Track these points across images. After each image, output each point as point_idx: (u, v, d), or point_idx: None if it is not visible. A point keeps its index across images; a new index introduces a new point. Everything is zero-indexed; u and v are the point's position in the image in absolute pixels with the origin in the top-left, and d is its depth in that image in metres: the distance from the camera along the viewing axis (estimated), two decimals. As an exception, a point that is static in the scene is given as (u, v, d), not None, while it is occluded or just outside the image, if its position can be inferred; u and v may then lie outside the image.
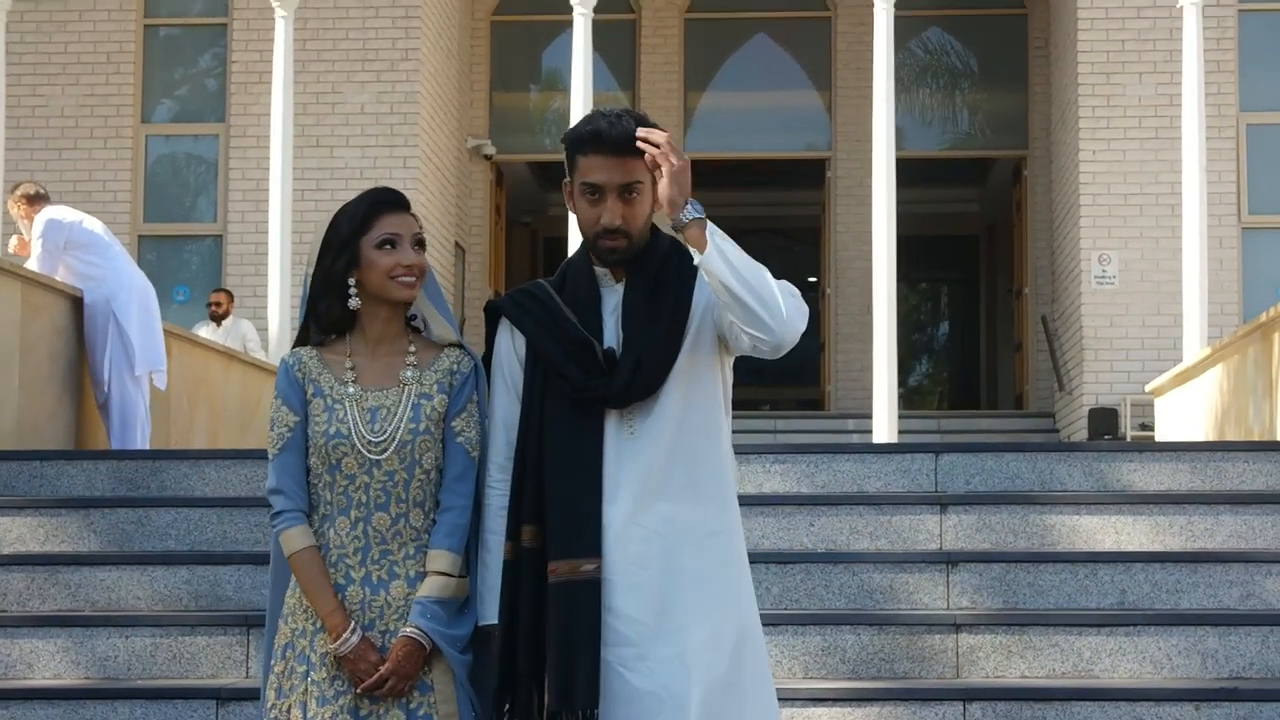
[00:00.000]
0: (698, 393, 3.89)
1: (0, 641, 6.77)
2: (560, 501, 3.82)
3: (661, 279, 3.91)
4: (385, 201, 4.01)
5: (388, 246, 3.95)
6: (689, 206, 3.77)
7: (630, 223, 3.86)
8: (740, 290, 3.74)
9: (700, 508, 3.86)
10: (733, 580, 3.89)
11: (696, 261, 3.78)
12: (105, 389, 10.23)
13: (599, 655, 3.77)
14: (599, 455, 3.84)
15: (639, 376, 3.82)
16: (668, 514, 3.83)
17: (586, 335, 3.85)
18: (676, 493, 3.84)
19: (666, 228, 4.00)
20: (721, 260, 3.75)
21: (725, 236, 3.79)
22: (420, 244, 4.00)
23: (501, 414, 3.97)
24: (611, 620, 3.80)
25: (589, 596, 3.78)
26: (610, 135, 3.83)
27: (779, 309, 3.77)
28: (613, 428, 3.85)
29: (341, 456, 3.91)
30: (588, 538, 3.80)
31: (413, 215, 4.03)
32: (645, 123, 3.87)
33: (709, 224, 3.78)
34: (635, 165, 3.84)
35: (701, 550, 3.84)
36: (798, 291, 3.87)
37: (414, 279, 3.96)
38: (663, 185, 3.78)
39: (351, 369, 3.98)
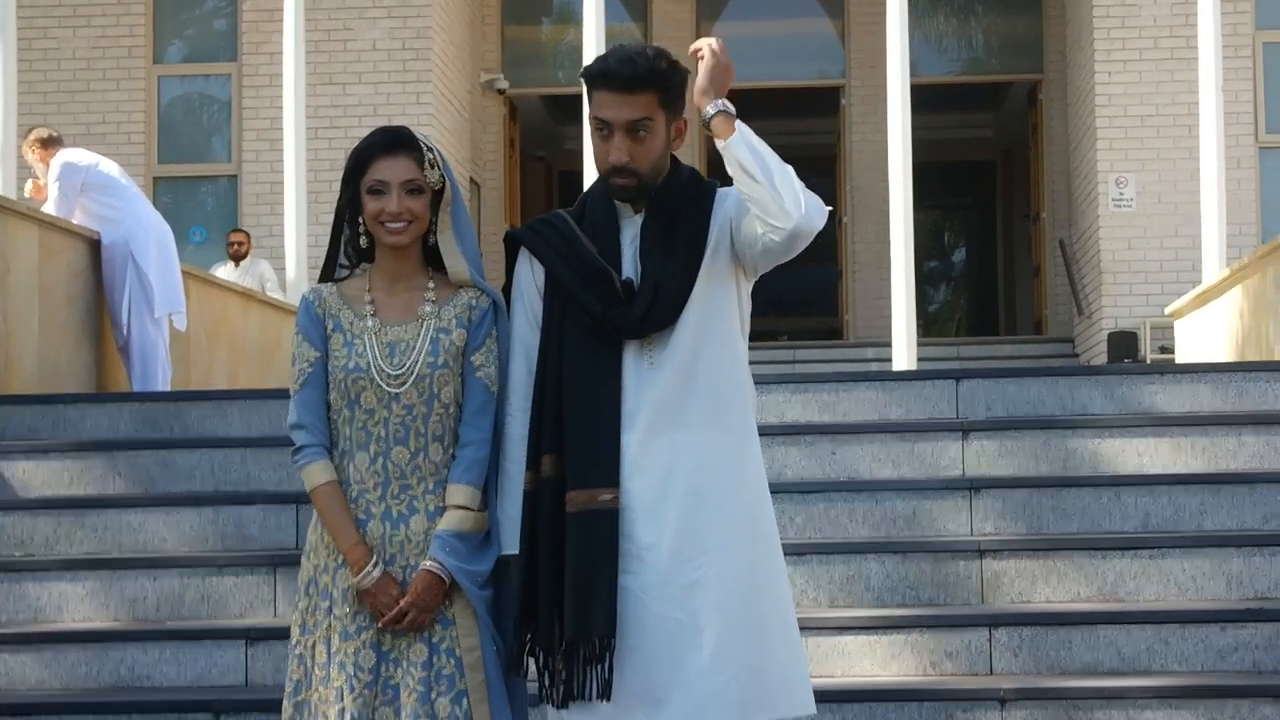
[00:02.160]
0: (716, 322, 3.89)
1: (29, 585, 6.81)
2: (579, 431, 3.83)
3: (679, 210, 3.90)
4: (379, 144, 3.99)
5: (378, 192, 3.95)
6: (720, 101, 3.82)
7: (638, 161, 3.85)
8: (761, 174, 3.74)
9: (719, 436, 3.86)
10: (753, 509, 3.90)
11: (721, 147, 3.79)
12: (125, 331, 10.24)
13: (616, 584, 3.79)
14: (618, 385, 3.85)
15: (656, 307, 3.82)
16: (686, 443, 3.83)
17: (604, 265, 3.86)
18: (695, 421, 3.84)
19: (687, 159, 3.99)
20: (745, 145, 3.77)
21: (753, 134, 3.81)
22: (415, 190, 3.96)
23: (522, 343, 3.98)
24: (631, 548, 3.81)
25: (607, 526, 3.80)
26: (619, 72, 3.83)
27: (798, 198, 3.76)
28: (631, 357, 3.86)
29: (360, 391, 3.92)
30: (606, 467, 3.81)
31: (417, 155, 3.98)
32: (664, 59, 3.86)
33: (740, 121, 3.81)
34: (644, 102, 3.84)
35: (720, 479, 3.85)
36: (820, 199, 3.86)
37: (402, 225, 3.95)
38: (700, 76, 3.83)
39: (370, 304, 3.99)
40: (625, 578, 3.80)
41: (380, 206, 3.94)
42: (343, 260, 4.07)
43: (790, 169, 3.79)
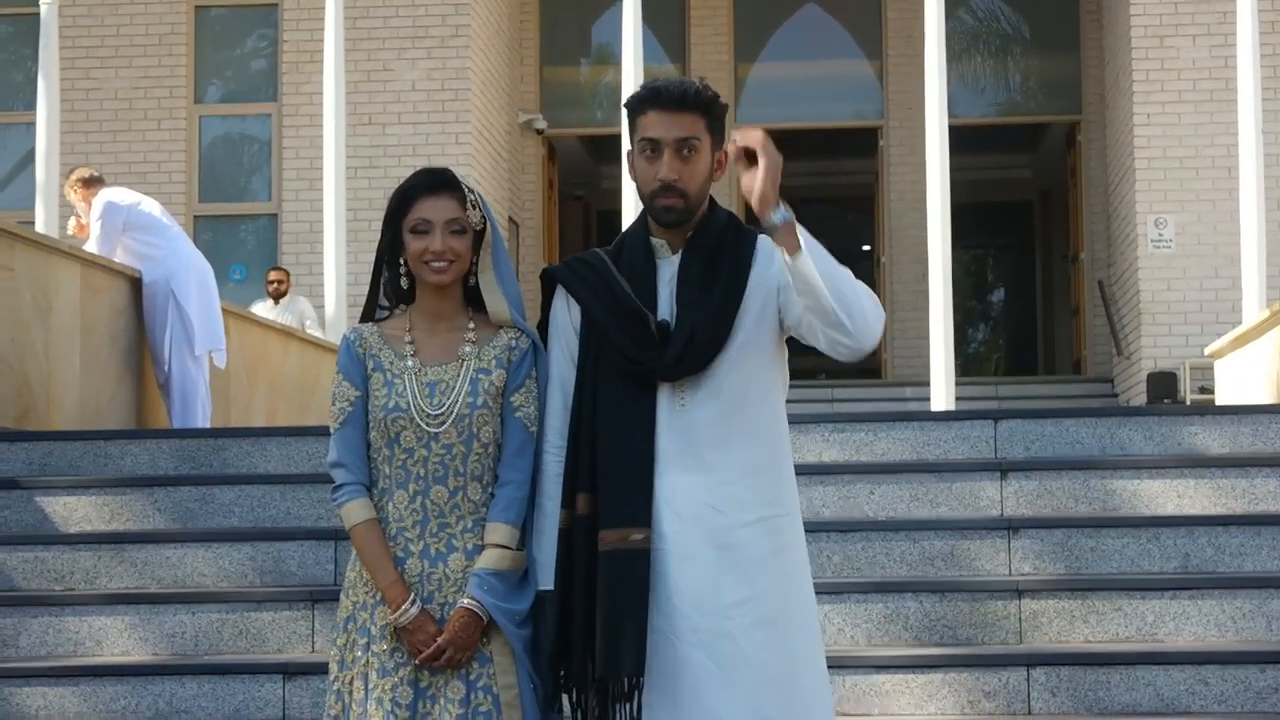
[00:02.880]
0: (752, 368, 3.88)
1: (70, 619, 6.85)
2: (612, 470, 3.84)
3: (719, 252, 3.90)
4: (422, 185, 4.02)
5: (421, 231, 3.98)
6: (781, 207, 3.71)
7: (687, 181, 3.86)
8: (828, 297, 3.71)
9: (754, 483, 3.85)
10: (789, 561, 3.89)
11: (786, 264, 3.73)
12: (166, 368, 10.29)
13: (645, 624, 3.78)
14: (651, 426, 3.85)
15: (690, 351, 3.82)
16: (720, 489, 3.83)
17: (640, 306, 3.86)
18: (729, 467, 3.83)
19: (724, 200, 4.00)
20: (812, 265, 3.71)
21: (812, 239, 3.75)
22: (459, 230, 3.98)
23: (559, 380, 3.99)
24: (663, 589, 3.81)
25: (637, 565, 3.79)
26: (668, 91, 3.86)
27: (863, 315, 3.74)
28: (665, 399, 3.86)
29: (400, 430, 3.93)
30: (638, 507, 3.81)
31: (459, 196, 4.01)
32: (709, 87, 3.89)
33: (799, 226, 3.73)
34: (692, 122, 3.86)
35: (757, 531, 3.83)
36: (874, 294, 3.83)
37: (445, 264, 3.97)
38: (759, 179, 3.71)
39: (411, 344, 4.01)
40: (656, 618, 3.80)
41: (424, 245, 3.96)
42: (383, 301, 4.10)
43: (851, 277, 3.74)
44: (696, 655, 3.78)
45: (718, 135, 3.93)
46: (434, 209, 3.98)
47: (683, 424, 3.84)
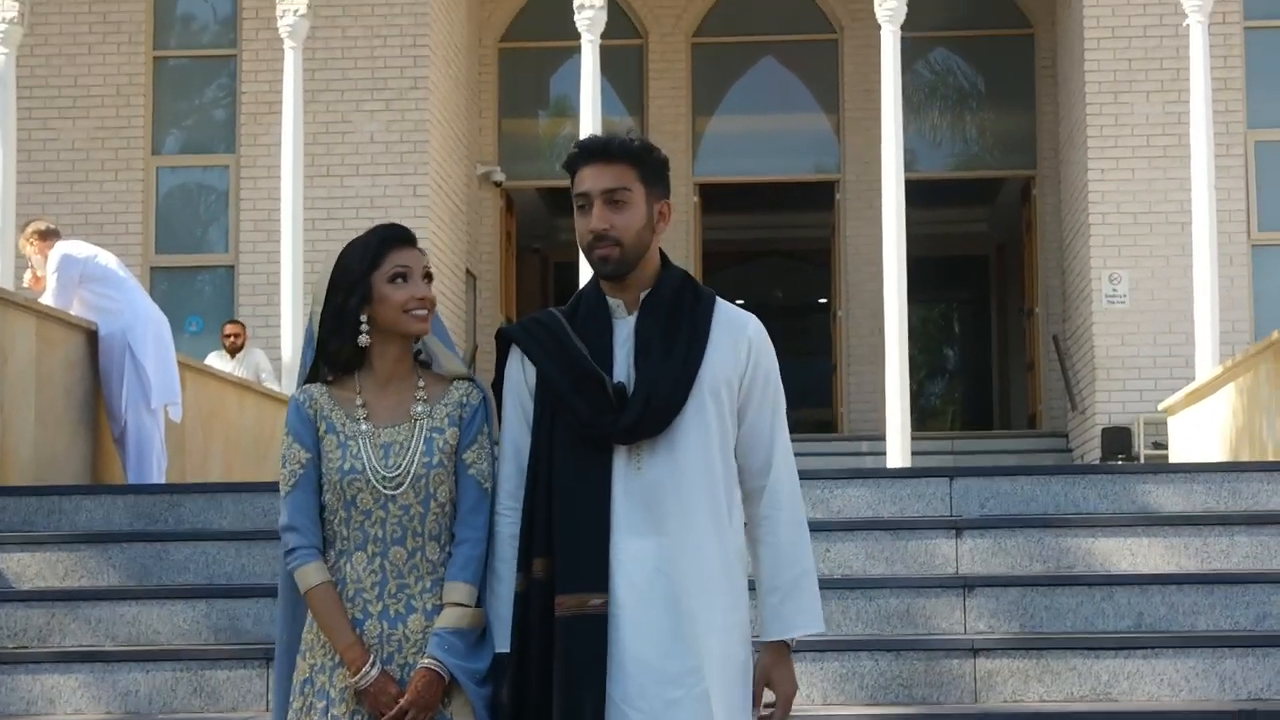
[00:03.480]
0: (709, 433, 3.87)
1: (22, 678, 6.81)
2: (568, 534, 3.82)
3: (675, 312, 3.90)
4: (395, 237, 4.03)
5: (400, 280, 3.97)
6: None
7: (620, 230, 3.86)
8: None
9: (707, 548, 3.84)
10: (735, 623, 3.88)
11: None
12: (122, 422, 10.26)
13: (603, 692, 3.77)
14: (607, 489, 3.83)
15: (648, 414, 3.81)
16: (673, 553, 3.82)
17: (596, 368, 3.84)
18: (683, 531, 3.82)
19: (676, 257, 4.03)
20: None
21: (810, 614, 3.97)
22: (429, 277, 4.02)
23: (512, 442, 3.97)
24: (617, 655, 3.79)
25: (595, 631, 3.78)
26: (593, 144, 3.90)
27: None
28: (621, 462, 3.85)
29: (357, 492, 3.93)
30: (594, 572, 3.80)
31: (420, 250, 4.05)
32: (638, 139, 3.93)
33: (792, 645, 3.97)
34: (621, 172, 3.87)
35: (709, 594, 3.83)
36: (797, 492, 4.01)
37: (426, 311, 3.98)
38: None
39: (363, 406, 3.99)
40: (610, 685, 3.78)
41: (408, 293, 3.95)
42: (326, 375, 4.07)
43: (806, 550, 4.00)
44: None
45: (654, 186, 3.92)
46: (410, 258, 4.00)
47: (638, 487, 3.83)
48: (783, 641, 3.89)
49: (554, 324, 3.94)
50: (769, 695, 3.89)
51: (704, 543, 3.84)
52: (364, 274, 3.98)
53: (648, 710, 3.77)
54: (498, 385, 4.03)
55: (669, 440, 3.84)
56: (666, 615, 3.80)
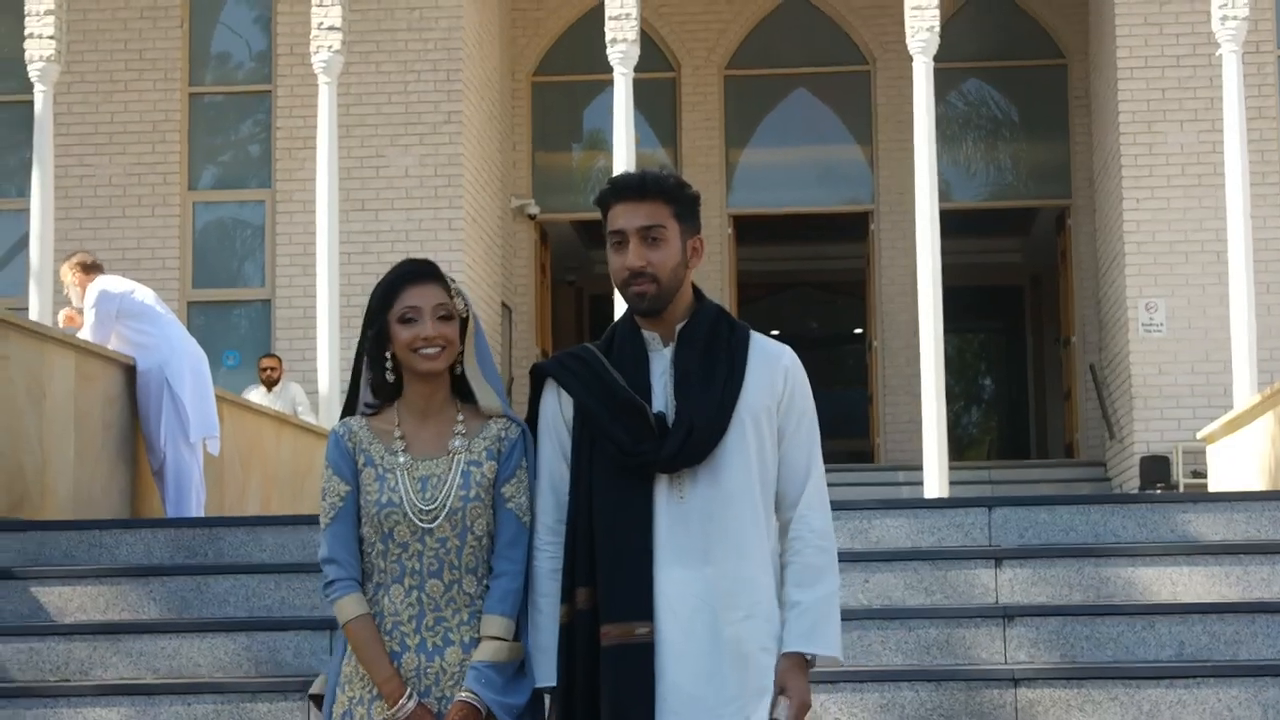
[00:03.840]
0: (747, 459, 3.89)
1: (65, 711, 6.82)
2: (611, 564, 3.84)
3: (713, 344, 3.93)
4: (408, 274, 4.05)
5: (410, 320, 4.00)
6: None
7: (657, 266, 3.89)
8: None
9: (748, 578, 3.86)
10: (770, 657, 3.90)
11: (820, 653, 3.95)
12: (161, 456, 10.30)
13: None
14: (649, 518, 3.85)
15: (691, 442, 3.84)
16: (716, 583, 3.83)
17: (636, 398, 3.87)
18: (725, 560, 3.84)
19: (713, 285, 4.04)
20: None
21: (829, 638, 3.96)
22: (446, 316, 4.01)
23: (549, 476, 3.99)
24: (660, 686, 3.81)
25: (642, 660, 3.80)
26: (628, 181, 3.93)
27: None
28: (663, 491, 3.87)
29: (394, 525, 3.94)
30: (639, 601, 3.82)
31: (444, 284, 4.05)
32: (672, 176, 3.96)
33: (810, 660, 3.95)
34: (655, 209, 3.90)
35: (748, 627, 3.85)
36: (829, 521, 4.03)
37: (436, 350, 3.99)
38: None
39: (401, 439, 4.02)
40: (658, 716, 3.81)
41: (415, 333, 3.98)
42: (369, 400, 4.10)
43: (832, 577, 4.00)
44: None
45: (687, 222, 3.95)
46: (420, 296, 4.01)
47: (680, 514, 3.86)
48: (800, 654, 3.89)
49: (590, 357, 3.98)
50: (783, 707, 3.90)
51: (748, 571, 3.86)
52: (379, 312, 4.03)
53: None
54: (532, 421, 4.05)
55: (711, 468, 3.86)
56: (709, 645, 3.82)
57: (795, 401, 3.96)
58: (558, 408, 3.99)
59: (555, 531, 3.95)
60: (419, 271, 4.05)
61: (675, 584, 3.83)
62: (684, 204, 3.94)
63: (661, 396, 3.90)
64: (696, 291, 4.02)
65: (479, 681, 3.88)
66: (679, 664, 3.80)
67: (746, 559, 3.86)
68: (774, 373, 3.94)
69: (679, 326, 3.95)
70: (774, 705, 3.85)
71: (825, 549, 3.94)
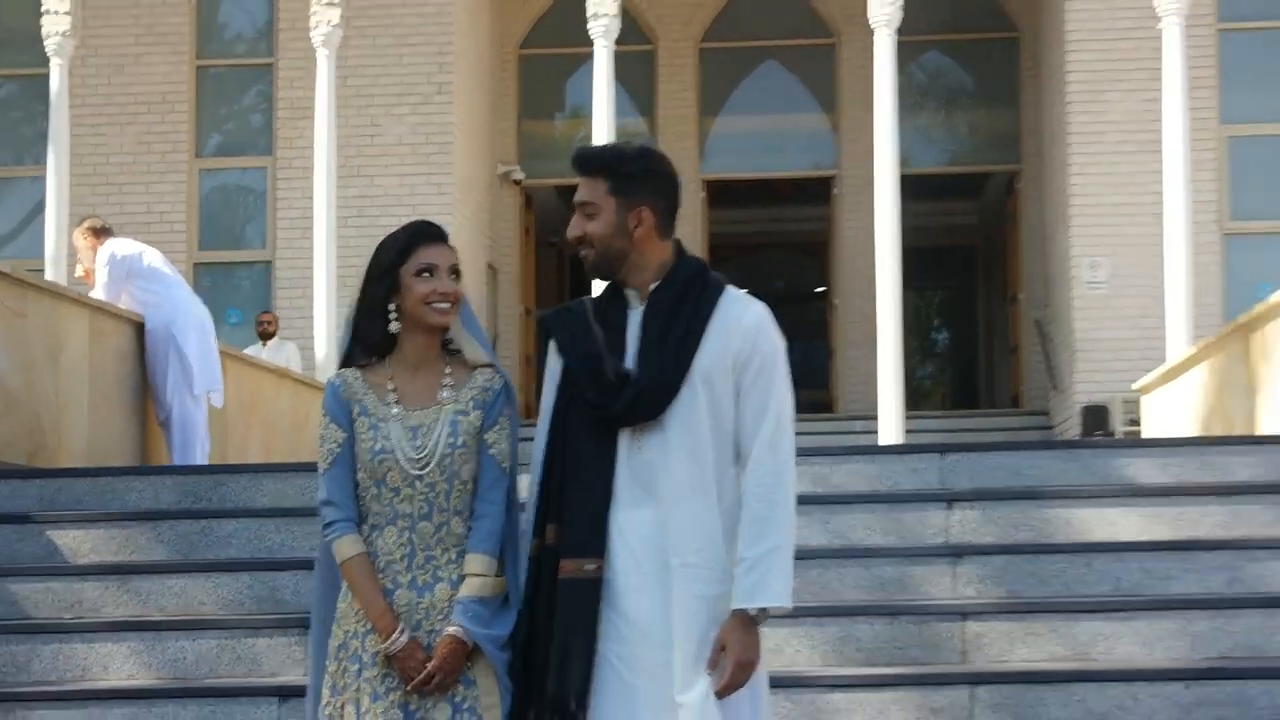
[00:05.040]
0: (695, 416, 3.87)
1: (78, 645, 6.83)
2: (574, 505, 3.88)
3: (679, 305, 3.92)
4: (425, 233, 4.06)
5: (425, 274, 4.00)
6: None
7: (591, 235, 3.93)
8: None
9: (690, 516, 3.85)
10: (708, 604, 3.86)
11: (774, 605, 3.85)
12: (167, 408, 10.30)
13: (593, 649, 3.81)
14: (611, 466, 3.87)
15: (640, 399, 3.84)
16: (662, 522, 3.84)
17: (601, 353, 3.89)
18: (670, 504, 3.84)
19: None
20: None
21: (775, 590, 3.83)
22: (456, 274, 4.05)
23: (548, 422, 4.01)
24: (613, 616, 3.84)
25: (588, 594, 3.83)
26: (575, 156, 3.99)
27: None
28: (624, 441, 3.89)
29: (387, 471, 3.96)
30: (593, 540, 3.85)
31: (450, 247, 4.08)
32: (617, 152, 3.98)
33: (755, 615, 3.84)
34: (592, 185, 3.94)
35: (694, 556, 3.84)
36: (791, 466, 3.91)
37: (448, 305, 4.01)
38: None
39: (394, 391, 4.03)
40: (607, 644, 3.83)
41: (431, 287, 3.99)
42: (357, 352, 4.11)
43: (788, 525, 3.87)
44: (640, 683, 3.81)
45: (630, 195, 3.93)
46: (437, 254, 4.02)
47: (637, 465, 3.87)
48: (744, 610, 3.82)
49: (580, 311, 4.01)
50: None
51: (691, 518, 3.85)
52: (393, 266, 4.02)
53: (639, 670, 3.81)
54: (542, 365, 4.11)
55: (664, 424, 3.87)
56: (657, 581, 3.83)
57: (754, 359, 3.90)
58: (554, 356, 4.03)
59: None
60: (434, 232, 4.07)
61: (629, 522, 3.86)
62: (622, 178, 3.94)
63: (633, 353, 3.92)
64: (680, 252, 4.01)
65: (465, 615, 3.91)
66: (631, 596, 3.83)
67: (690, 506, 3.85)
68: (733, 332, 3.91)
69: (651, 287, 3.96)
70: (716, 663, 3.81)
71: (772, 500, 3.85)
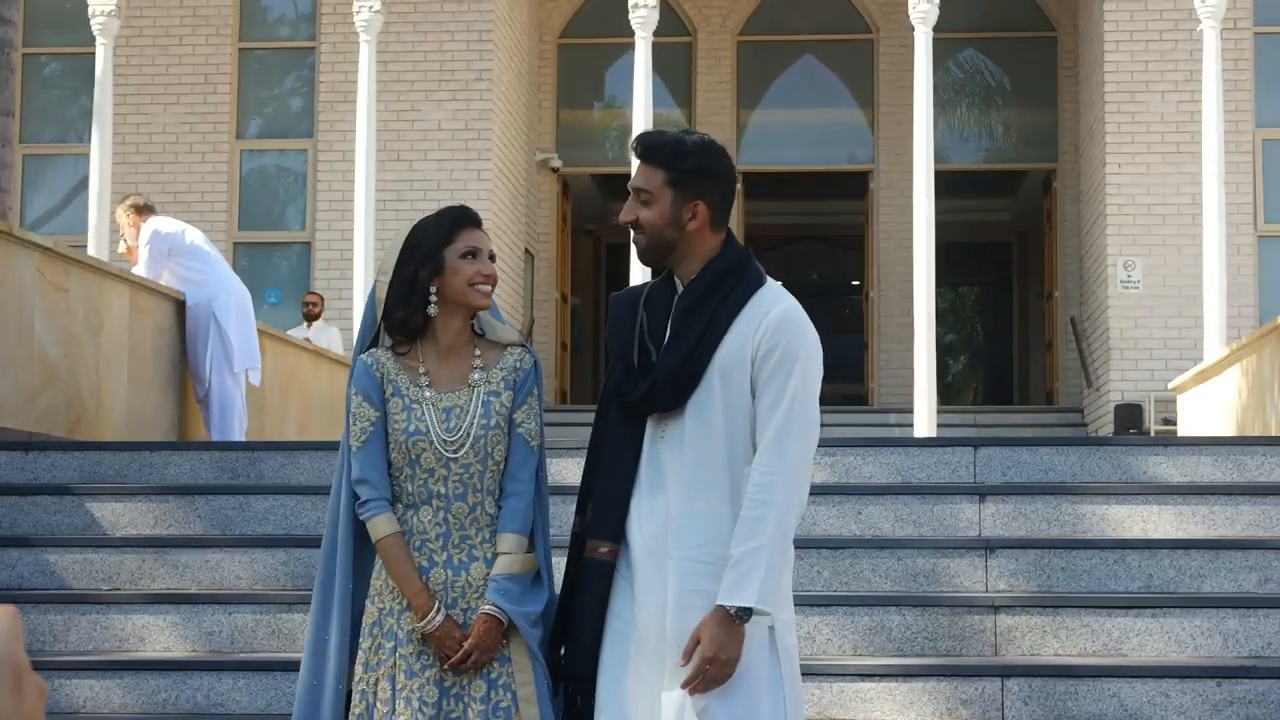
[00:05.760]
0: (711, 410, 3.83)
1: (115, 617, 6.87)
2: (601, 488, 3.90)
3: (705, 299, 3.87)
4: (466, 217, 4.08)
5: (470, 257, 4.01)
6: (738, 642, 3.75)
7: (644, 224, 3.88)
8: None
9: (697, 516, 3.81)
10: (707, 599, 3.80)
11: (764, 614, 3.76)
12: (206, 384, 10.33)
13: (600, 627, 3.84)
14: (635, 452, 3.88)
15: (655, 390, 3.82)
16: (669, 513, 3.83)
17: (631, 341, 3.89)
18: (679, 496, 3.81)
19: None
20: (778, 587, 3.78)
21: (750, 591, 3.71)
22: (493, 257, 4.08)
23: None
24: (627, 600, 3.85)
25: (600, 575, 3.86)
26: (637, 143, 3.94)
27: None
28: (650, 428, 3.88)
29: (421, 453, 3.96)
30: (611, 524, 3.86)
31: (485, 233, 4.11)
32: (675, 144, 3.90)
33: (733, 613, 3.72)
34: (650, 174, 3.88)
35: (686, 565, 3.80)
36: (798, 465, 3.79)
37: (490, 289, 4.02)
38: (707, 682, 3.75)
39: (425, 374, 4.03)
40: (620, 624, 3.85)
41: (476, 269, 3.99)
42: (397, 336, 4.09)
43: (788, 521, 3.77)
44: (644, 666, 3.81)
45: (685, 188, 3.87)
46: (479, 239, 4.04)
47: (657, 452, 3.87)
48: (724, 606, 3.72)
49: (635, 296, 4.00)
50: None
51: (692, 506, 3.82)
52: (437, 249, 4.01)
53: (645, 654, 3.82)
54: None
55: (685, 414, 3.85)
56: (659, 572, 3.84)
57: (773, 354, 3.80)
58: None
59: None
60: (473, 217, 4.09)
61: (645, 510, 3.87)
62: (680, 171, 3.88)
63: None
64: (729, 242, 3.96)
65: (499, 593, 3.92)
66: (642, 583, 3.85)
67: (698, 500, 3.81)
68: (756, 327, 3.84)
69: (691, 279, 3.96)
70: (689, 655, 3.75)
71: (765, 501, 3.74)
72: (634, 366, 3.86)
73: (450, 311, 4.03)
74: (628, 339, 3.90)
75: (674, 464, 3.84)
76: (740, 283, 3.90)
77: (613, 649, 3.85)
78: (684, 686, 3.71)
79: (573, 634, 3.89)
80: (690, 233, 3.90)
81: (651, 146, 3.92)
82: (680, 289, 3.94)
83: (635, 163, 3.94)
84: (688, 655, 3.73)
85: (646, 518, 3.86)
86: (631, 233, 3.94)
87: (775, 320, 3.81)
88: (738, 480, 3.82)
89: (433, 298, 4.01)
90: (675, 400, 3.82)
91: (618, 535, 3.86)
